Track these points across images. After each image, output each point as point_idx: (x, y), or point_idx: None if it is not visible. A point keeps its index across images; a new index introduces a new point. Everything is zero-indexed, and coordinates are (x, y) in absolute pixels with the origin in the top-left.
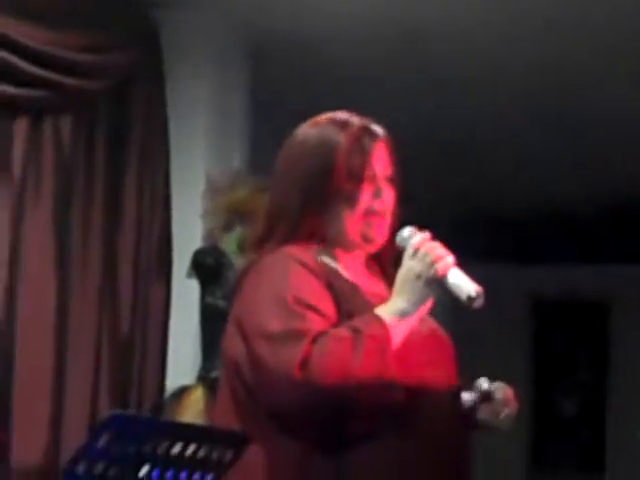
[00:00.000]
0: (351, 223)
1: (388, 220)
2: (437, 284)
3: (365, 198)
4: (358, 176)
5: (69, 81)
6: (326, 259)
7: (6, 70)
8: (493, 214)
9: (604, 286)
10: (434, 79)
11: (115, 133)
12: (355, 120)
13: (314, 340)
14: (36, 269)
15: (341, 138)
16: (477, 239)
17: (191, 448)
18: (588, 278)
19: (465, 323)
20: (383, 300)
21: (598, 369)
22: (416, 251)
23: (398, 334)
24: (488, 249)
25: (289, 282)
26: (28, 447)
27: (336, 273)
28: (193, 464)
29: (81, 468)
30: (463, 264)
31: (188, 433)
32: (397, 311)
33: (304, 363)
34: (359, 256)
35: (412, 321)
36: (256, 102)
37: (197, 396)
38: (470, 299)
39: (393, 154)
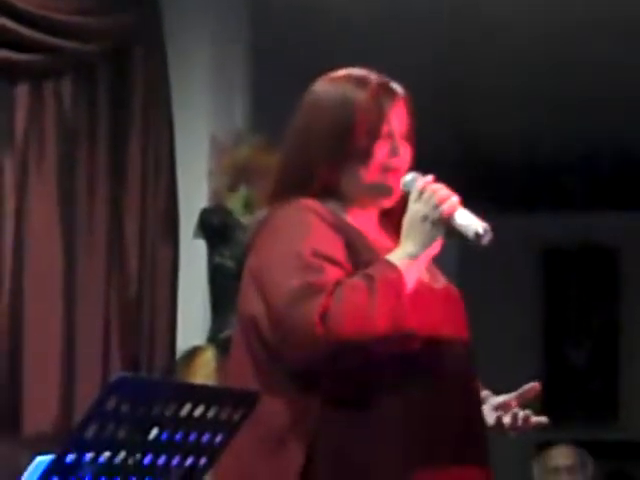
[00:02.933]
0: (366, 178)
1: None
2: (444, 225)
3: (381, 155)
4: (375, 133)
5: (68, 44)
6: (338, 212)
7: (4, 35)
8: (496, 164)
9: (613, 232)
10: (434, 33)
11: (117, 96)
12: (373, 77)
13: (331, 292)
14: (42, 235)
15: (359, 95)
16: (480, 189)
17: (200, 409)
18: (597, 224)
19: (474, 275)
20: None
21: (610, 316)
22: (421, 194)
23: (410, 276)
24: (492, 199)
25: (306, 235)
26: (40, 413)
27: (348, 225)
28: (202, 425)
29: (90, 431)
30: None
31: (196, 394)
32: (406, 254)
33: (323, 316)
34: (372, 213)
35: (422, 262)
36: (258, 59)
37: (208, 356)
38: (478, 236)
39: (411, 112)
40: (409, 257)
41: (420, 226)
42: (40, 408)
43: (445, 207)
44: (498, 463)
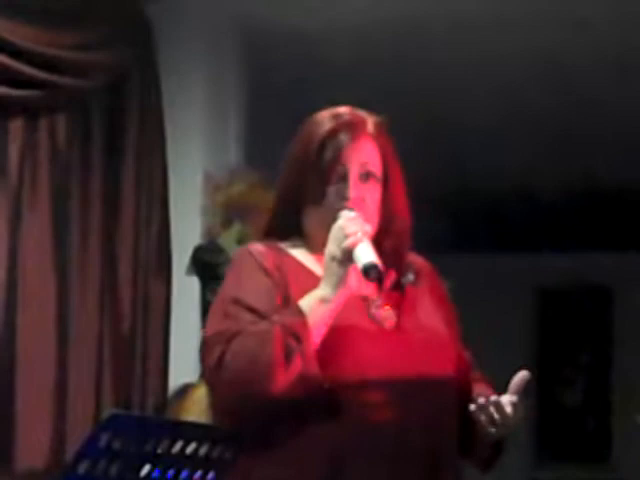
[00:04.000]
0: (320, 221)
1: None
2: (349, 261)
3: (331, 198)
4: (326, 177)
5: (62, 80)
6: (303, 255)
7: (0, 71)
8: (492, 205)
9: (606, 272)
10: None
11: (111, 131)
12: (346, 114)
13: (230, 339)
14: (35, 270)
15: (320, 131)
16: (476, 231)
17: (191, 447)
18: (590, 265)
19: (468, 312)
20: None
21: (601, 356)
22: (333, 234)
23: (319, 319)
24: (489, 240)
25: (235, 282)
26: (32, 448)
27: (302, 266)
28: (194, 463)
29: (82, 468)
30: (465, 255)
31: (188, 432)
32: (316, 297)
33: (219, 362)
34: None
35: (335, 302)
36: (252, 96)
37: (200, 394)
38: (365, 269)
39: (386, 153)
40: (319, 299)
41: (330, 267)
42: (32, 443)
43: (348, 242)
44: None
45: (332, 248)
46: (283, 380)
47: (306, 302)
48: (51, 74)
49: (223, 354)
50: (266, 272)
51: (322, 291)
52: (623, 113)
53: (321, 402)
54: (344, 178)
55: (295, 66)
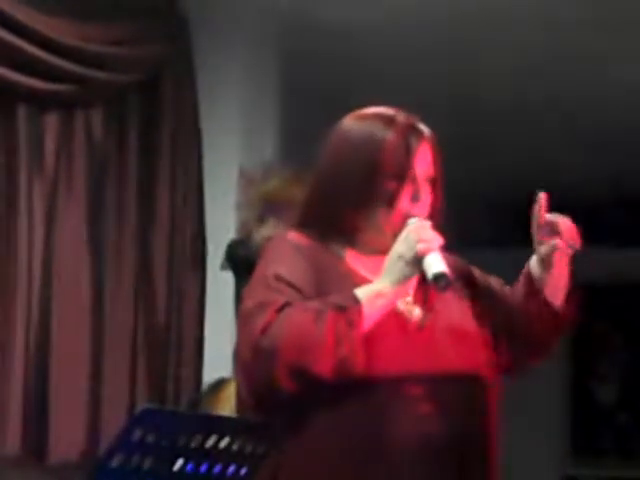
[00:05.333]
0: (387, 223)
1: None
2: (417, 265)
3: (404, 200)
4: (401, 176)
5: (99, 75)
6: (337, 251)
7: (36, 65)
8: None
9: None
10: (468, 69)
11: (147, 126)
12: (401, 117)
13: (279, 309)
14: (71, 263)
15: (388, 135)
16: (505, 226)
17: (225, 441)
18: (626, 261)
19: None
20: None
21: (635, 352)
22: (406, 235)
23: (373, 311)
24: (522, 235)
25: (275, 262)
26: (66, 442)
27: (338, 259)
28: (227, 457)
29: (115, 462)
30: (495, 251)
31: (221, 426)
32: (375, 289)
33: (265, 329)
34: (378, 258)
35: (391, 299)
36: (288, 91)
37: (234, 389)
38: (435, 278)
39: (438, 155)
40: (377, 292)
41: (395, 264)
42: (66, 437)
43: (420, 247)
44: None
45: (402, 248)
46: (329, 361)
47: (363, 292)
48: (87, 69)
49: (269, 323)
50: (304, 256)
51: (381, 285)
52: None
53: (359, 392)
54: (414, 180)
55: (332, 62)
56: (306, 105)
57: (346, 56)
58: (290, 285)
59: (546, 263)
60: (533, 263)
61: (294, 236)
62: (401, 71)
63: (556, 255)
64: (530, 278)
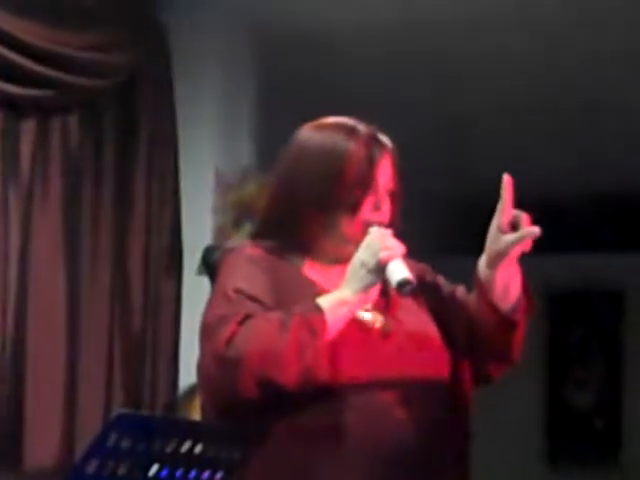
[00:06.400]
0: (350, 230)
1: None
2: (380, 273)
3: (366, 209)
4: (364, 185)
5: (75, 80)
6: (295, 261)
7: (12, 70)
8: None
9: (617, 275)
10: (443, 72)
11: (123, 131)
12: (363, 128)
13: (242, 321)
14: (46, 268)
15: (351, 145)
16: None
17: (200, 446)
18: (601, 267)
19: None
20: None
21: (612, 360)
22: (368, 242)
23: (336, 320)
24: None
25: (233, 275)
26: (41, 447)
27: (297, 273)
28: (202, 462)
29: (91, 467)
30: (476, 258)
31: (197, 431)
32: (337, 298)
33: (229, 340)
34: (338, 268)
35: (354, 307)
36: (265, 97)
37: None
38: (399, 285)
39: (397, 167)
40: (340, 301)
41: (357, 272)
42: (42, 442)
43: (383, 255)
44: None
45: (365, 256)
46: (294, 371)
47: (326, 301)
48: (63, 74)
49: (233, 334)
50: (261, 268)
51: (344, 293)
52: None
53: (322, 400)
54: (376, 191)
55: (309, 67)
56: (283, 111)
57: (323, 62)
58: (250, 298)
59: (500, 258)
60: (481, 264)
61: (249, 249)
62: (378, 76)
63: (512, 251)
64: (479, 281)
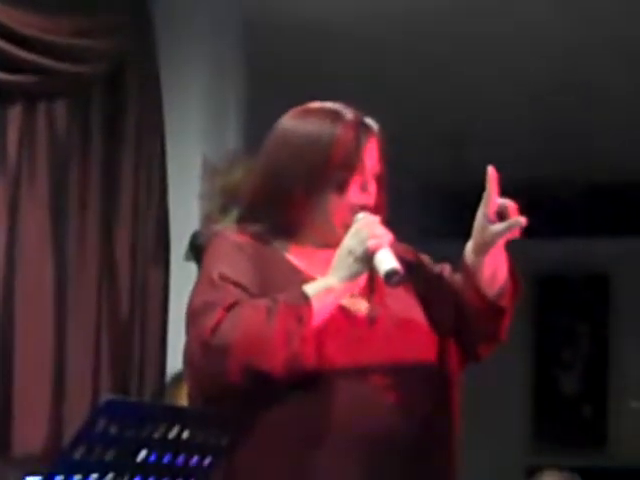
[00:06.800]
0: (337, 211)
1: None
2: (367, 261)
3: (353, 190)
4: (351, 166)
5: (61, 66)
6: (279, 248)
7: None
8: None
9: (603, 259)
10: (436, 61)
11: (110, 117)
12: (349, 112)
13: (229, 308)
14: (33, 255)
15: (337, 129)
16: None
17: (188, 432)
18: (587, 252)
19: None
20: None
21: (598, 342)
22: (356, 230)
23: (323, 307)
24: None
25: (218, 262)
26: (30, 433)
27: (282, 259)
28: (190, 448)
29: (78, 453)
30: (455, 241)
31: (184, 417)
32: (324, 286)
33: (215, 327)
34: (324, 254)
35: (340, 294)
36: (252, 82)
37: None
38: (387, 275)
39: (383, 152)
40: (326, 288)
41: (345, 259)
42: (30, 429)
43: (370, 243)
44: None
45: (352, 243)
46: (281, 358)
47: (312, 288)
48: (49, 60)
49: (219, 321)
50: (246, 254)
51: (330, 281)
52: (623, 102)
53: (310, 386)
54: (362, 173)
55: (295, 53)
56: (271, 95)
57: (311, 46)
58: (235, 284)
59: (487, 246)
60: (468, 250)
61: (234, 235)
62: (365, 62)
63: (501, 239)
64: (465, 267)
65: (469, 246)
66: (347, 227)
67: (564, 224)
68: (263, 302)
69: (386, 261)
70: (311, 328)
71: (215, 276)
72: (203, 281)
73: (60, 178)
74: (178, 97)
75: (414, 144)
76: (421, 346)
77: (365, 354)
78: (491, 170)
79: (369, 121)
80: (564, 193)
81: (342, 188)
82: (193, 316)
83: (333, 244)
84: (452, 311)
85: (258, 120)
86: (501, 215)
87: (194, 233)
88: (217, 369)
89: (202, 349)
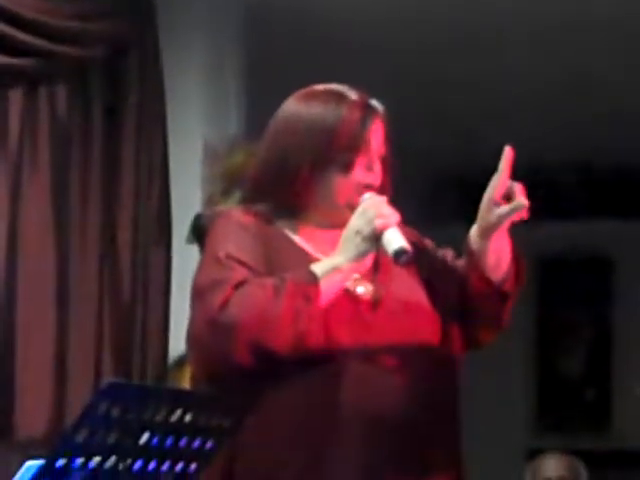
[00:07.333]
0: (343, 191)
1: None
2: (375, 240)
3: (359, 169)
4: (356, 147)
5: (63, 49)
6: (287, 229)
7: None
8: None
9: (607, 243)
10: (435, 48)
11: (111, 101)
12: (353, 93)
13: (236, 286)
14: (35, 239)
15: (343, 110)
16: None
17: (190, 415)
18: (591, 234)
19: None
20: None
21: (602, 326)
22: (363, 209)
23: (330, 287)
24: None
25: (223, 241)
26: (32, 418)
27: (287, 239)
28: (193, 431)
29: (81, 436)
30: (466, 225)
31: (187, 400)
32: (331, 265)
33: (223, 305)
34: (332, 234)
35: (347, 274)
36: (252, 67)
37: None
38: (396, 254)
39: (388, 134)
40: (334, 268)
41: (352, 239)
42: (32, 413)
43: (378, 223)
44: (489, 469)
45: (359, 223)
46: (288, 337)
47: (320, 267)
48: (51, 43)
49: (227, 299)
50: (251, 234)
51: (337, 260)
52: (621, 89)
53: (316, 367)
54: (367, 152)
55: (296, 37)
56: (270, 81)
57: (310, 32)
58: (241, 263)
59: (492, 230)
60: (473, 235)
61: (239, 214)
62: (366, 47)
63: (506, 221)
64: (470, 252)
65: (474, 230)
66: (352, 207)
67: (568, 207)
68: (271, 281)
69: (395, 240)
70: (319, 307)
71: (221, 255)
72: (209, 259)
73: (61, 162)
74: (179, 81)
75: (416, 131)
76: (425, 328)
77: (370, 335)
78: (508, 150)
79: (374, 103)
80: (566, 177)
81: (347, 168)
82: (199, 294)
83: (338, 224)
84: (456, 295)
85: (258, 105)
86: (507, 197)
87: (196, 215)
88: (224, 346)
89: (209, 326)
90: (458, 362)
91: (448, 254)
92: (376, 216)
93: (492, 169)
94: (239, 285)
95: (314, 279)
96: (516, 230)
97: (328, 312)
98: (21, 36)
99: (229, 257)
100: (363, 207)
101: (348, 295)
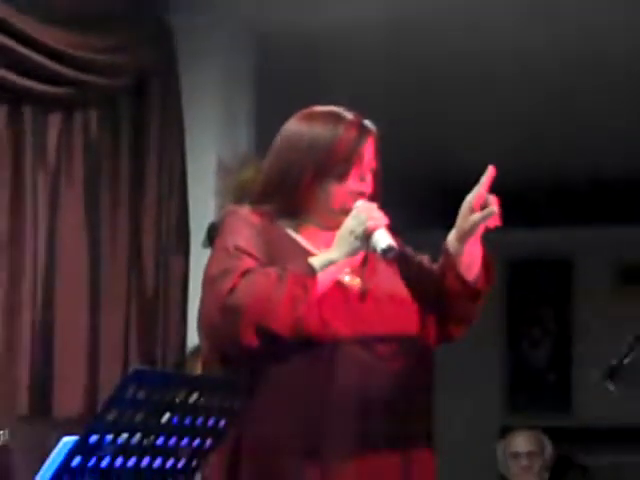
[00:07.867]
0: (338, 197)
1: None
2: (366, 240)
3: (353, 178)
4: (351, 159)
5: (94, 79)
6: (288, 228)
7: (40, 71)
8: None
9: (567, 246)
10: (434, 75)
11: (137, 123)
12: (350, 114)
13: (243, 274)
14: (71, 243)
15: (340, 129)
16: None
17: (205, 397)
18: (554, 240)
19: None
20: None
21: (563, 321)
22: (356, 212)
23: (325, 278)
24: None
25: (231, 234)
26: (69, 399)
27: (280, 235)
28: (208, 411)
29: (111, 416)
30: (441, 231)
31: (202, 384)
32: (327, 259)
33: (232, 290)
34: (331, 236)
35: (340, 268)
36: (261, 91)
37: None
38: (383, 251)
39: (378, 150)
40: (329, 261)
41: (346, 238)
42: (68, 395)
43: (369, 224)
44: (467, 445)
45: (353, 223)
46: (287, 320)
47: (317, 261)
48: (83, 74)
49: (235, 285)
50: (256, 230)
51: (332, 255)
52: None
53: (312, 351)
54: (361, 165)
55: (305, 60)
56: (278, 103)
57: (315, 56)
58: (248, 254)
59: (468, 234)
60: (451, 239)
61: (246, 213)
62: (367, 69)
63: (479, 227)
64: (447, 253)
65: (452, 235)
66: (346, 212)
67: (533, 216)
68: (274, 270)
69: (383, 239)
70: (314, 296)
71: (230, 247)
72: (219, 251)
73: (94, 177)
74: (196, 106)
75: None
76: (406, 318)
77: (359, 322)
78: (491, 169)
79: (367, 122)
80: (535, 188)
81: (343, 178)
82: (211, 281)
83: (333, 227)
84: (432, 293)
85: (267, 126)
86: (483, 208)
87: (210, 224)
88: (232, 328)
89: (219, 310)
90: (432, 349)
91: (424, 259)
92: (368, 218)
93: (471, 180)
94: (246, 273)
95: (312, 271)
96: (489, 236)
97: (322, 300)
98: (59, 68)
99: (237, 249)
100: (356, 211)
101: (340, 286)
